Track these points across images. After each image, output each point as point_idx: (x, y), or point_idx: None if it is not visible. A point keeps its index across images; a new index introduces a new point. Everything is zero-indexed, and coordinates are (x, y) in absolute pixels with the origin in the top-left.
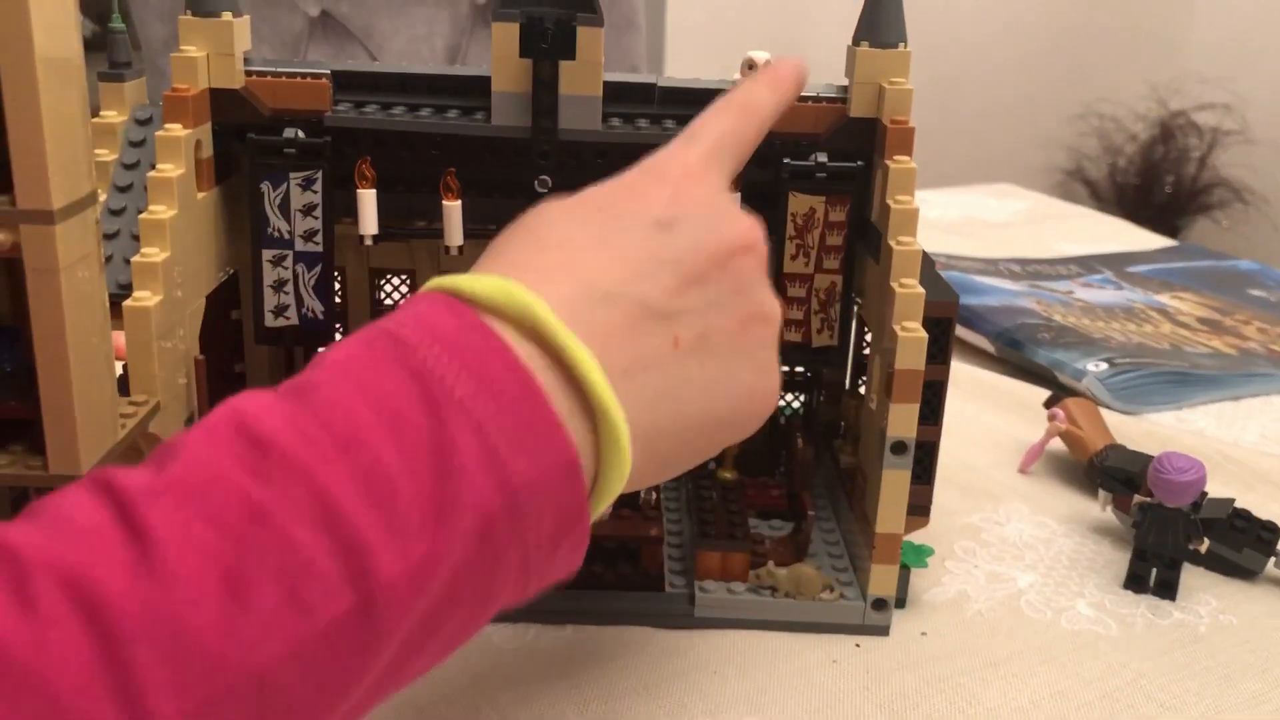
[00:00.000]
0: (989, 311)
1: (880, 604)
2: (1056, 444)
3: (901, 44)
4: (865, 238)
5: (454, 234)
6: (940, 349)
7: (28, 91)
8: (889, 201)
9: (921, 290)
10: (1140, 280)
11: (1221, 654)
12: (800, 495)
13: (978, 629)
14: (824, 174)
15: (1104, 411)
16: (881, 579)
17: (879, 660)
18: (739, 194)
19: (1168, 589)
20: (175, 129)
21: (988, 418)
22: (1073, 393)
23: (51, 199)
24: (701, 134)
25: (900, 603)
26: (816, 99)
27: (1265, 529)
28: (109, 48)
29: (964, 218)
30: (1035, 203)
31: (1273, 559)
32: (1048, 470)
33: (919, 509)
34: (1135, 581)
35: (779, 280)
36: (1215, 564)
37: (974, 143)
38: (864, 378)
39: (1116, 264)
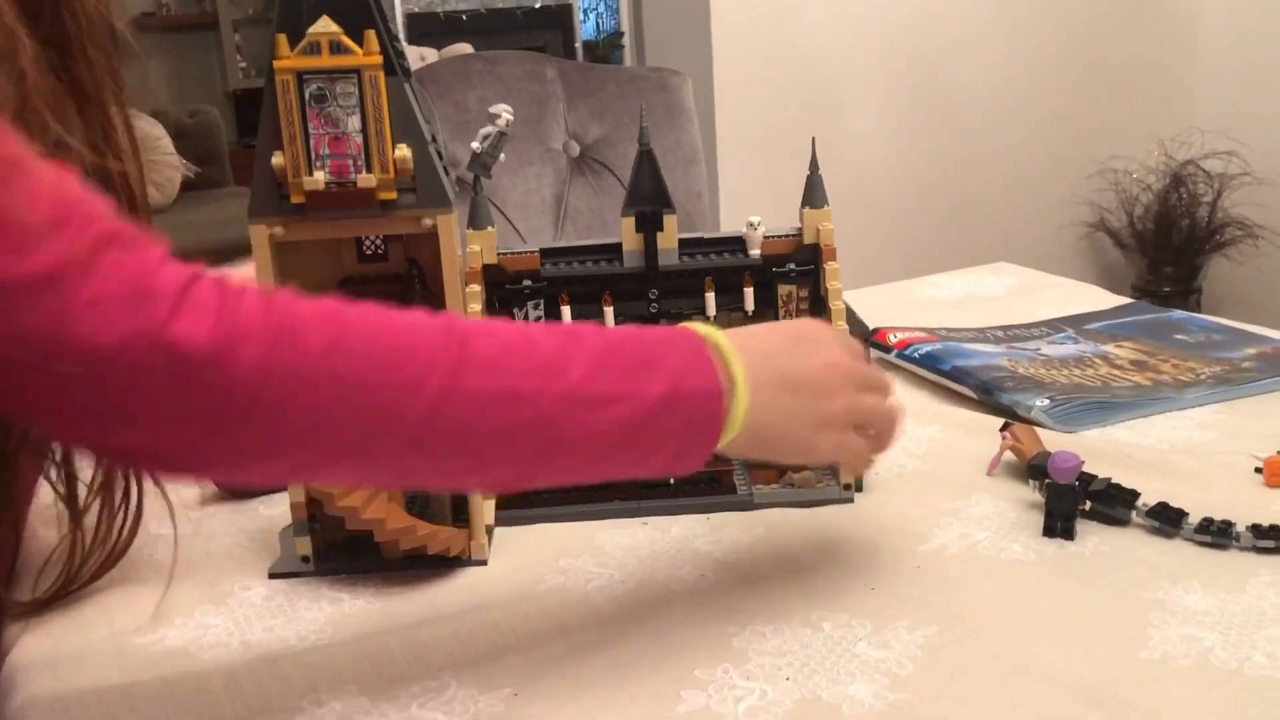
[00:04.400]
0: (973, 369)
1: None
2: (1013, 457)
3: (825, 205)
4: (816, 306)
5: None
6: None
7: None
8: (826, 284)
9: (845, 325)
10: (1094, 334)
11: (1095, 565)
12: None
13: (950, 562)
14: (793, 273)
15: (1045, 432)
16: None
17: (853, 530)
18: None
19: (1068, 534)
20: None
21: (969, 441)
22: (1022, 420)
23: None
24: (871, 386)
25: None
26: (786, 235)
27: (1129, 494)
28: (471, 211)
29: (965, 295)
30: (1024, 277)
31: (1134, 512)
32: (1006, 473)
33: None
34: (1049, 530)
35: None
36: (1098, 517)
37: (1004, 209)
38: None
39: (1077, 323)
